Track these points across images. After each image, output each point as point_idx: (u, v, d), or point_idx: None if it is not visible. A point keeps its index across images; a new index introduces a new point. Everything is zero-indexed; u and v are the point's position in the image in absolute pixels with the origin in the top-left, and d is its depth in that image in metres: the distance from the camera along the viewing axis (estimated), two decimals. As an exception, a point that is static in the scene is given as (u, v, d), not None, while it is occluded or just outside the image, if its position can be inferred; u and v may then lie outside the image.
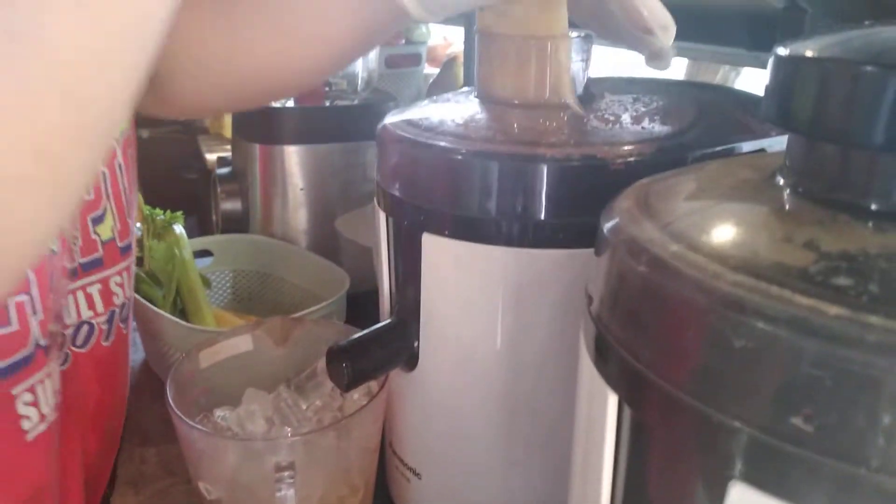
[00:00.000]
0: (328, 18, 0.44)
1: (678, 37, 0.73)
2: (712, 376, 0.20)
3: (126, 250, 0.52)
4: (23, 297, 0.41)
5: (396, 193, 0.42)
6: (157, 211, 0.75)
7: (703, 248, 0.22)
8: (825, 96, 0.22)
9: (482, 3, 0.40)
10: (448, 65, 1.17)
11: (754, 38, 0.65)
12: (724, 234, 0.23)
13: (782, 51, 0.24)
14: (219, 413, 0.50)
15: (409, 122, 0.43)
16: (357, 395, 0.49)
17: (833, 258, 0.20)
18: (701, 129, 0.41)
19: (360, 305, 0.71)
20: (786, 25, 0.54)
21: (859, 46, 0.23)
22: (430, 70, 1.35)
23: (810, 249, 0.21)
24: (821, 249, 0.21)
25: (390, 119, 0.45)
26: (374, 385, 0.47)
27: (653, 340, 0.23)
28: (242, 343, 0.52)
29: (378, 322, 0.49)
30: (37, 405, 0.42)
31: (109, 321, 0.51)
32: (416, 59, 1.17)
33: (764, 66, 0.65)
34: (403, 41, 1.15)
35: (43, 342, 0.42)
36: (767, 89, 0.24)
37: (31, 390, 0.42)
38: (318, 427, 0.47)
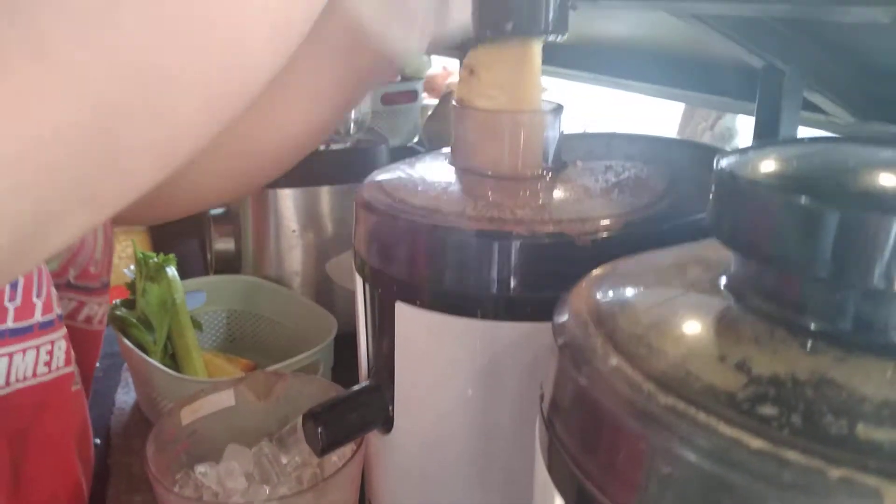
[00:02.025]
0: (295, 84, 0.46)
1: (666, 82, 0.74)
2: (645, 499, 0.21)
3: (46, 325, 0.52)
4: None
5: (371, 261, 0.43)
6: (150, 254, 0.76)
7: (641, 363, 0.23)
8: (758, 221, 0.22)
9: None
10: (445, 99, 1.18)
11: (740, 88, 0.65)
12: (663, 348, 0.23)
13: (723, 164, 0.25)
14: (200, 469, 0.50)
15: (384, 190, 0.44)
16: (335, 458, 0.49)
17: (762, 383, 0.21)
18: (671, 201, 0.42)
19: (351, 345, 0.71)
20: (765, 83, 0.55)
21: (800, 169, 0.23)
22: (429, 101, 1.36)
23: (742, 371, 0.21)
24: (752, 372, 0.21)
25: (366, 184, 0.46)
26: (352, 445, 0.48)
27: (595, 455, 0.23)
28: (225, 398, 0.53)
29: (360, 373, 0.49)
30: None
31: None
32: (412, 96, 1.18)
33: (750, 114, 0.65)
34: (399, 78, 1.16)
35: None
36: (711, 201, 0.25)
37: None
38: (296, 488, 0.47)
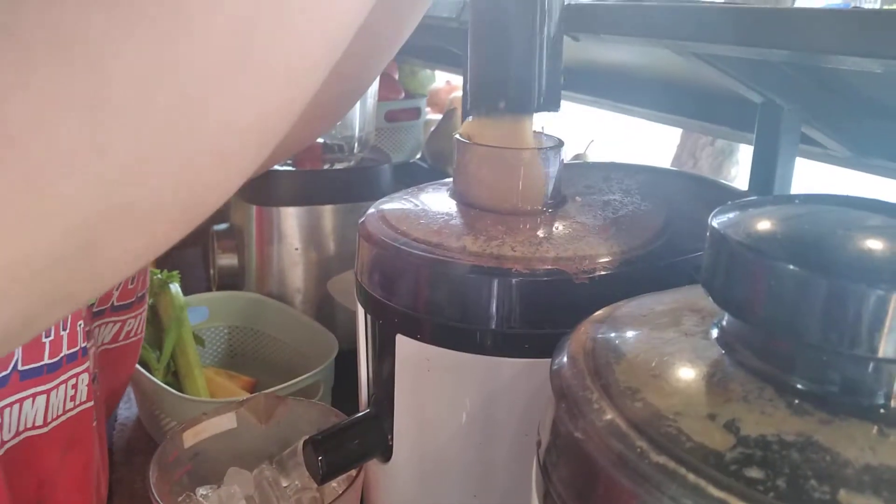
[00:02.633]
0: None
1: (666, 109, 0.75)
2: (635, 555, 0.22)
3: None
4: None
5: (373, 292, 0.44)
6: (155, 270, 0.77)
7: (635, 419, 0.23)
8: (749, 284, 0.23)
9: None
10: (448, 115, 1.19)
11: (738, 117, 0.66)
12: (656, 404, 0.24)
13: (716, 223, 0.25)
14: (201, 492, 0.51)
15: (387, 222, 0.45)
16: (335, 484, 0.50)
17: (750, 444, 0.22)
18: (668, 239, 0.42)
19: (352, 363, 0.72)
20: (763, 118, 0.56)
21: (791, 232, 0.24)
22: (433, 116, 1.37)
23: (730, 431, 0.22)
24: (740, 433, 0.22)
25: (369, 215, 0.47)
26: (352, 472, 0.48)
27: (585, 505, 0.24)
28: (226, 421, 0.53)
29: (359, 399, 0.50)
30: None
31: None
32: (415, 113, 1.19)
33: (749, 143, 0.66)
34: (402, 95, 1.17)
35: (22, 368, 0.44)
36: (704, 259, 0.26)
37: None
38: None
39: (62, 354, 0.46)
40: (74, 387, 0.48)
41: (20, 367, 0.44)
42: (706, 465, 0.21)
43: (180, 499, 0.50)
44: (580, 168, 0.54)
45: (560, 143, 0.44)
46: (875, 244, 0.22)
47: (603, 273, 0.38)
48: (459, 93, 1.47)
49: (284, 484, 0.53)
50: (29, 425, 0.46)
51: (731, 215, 0.26)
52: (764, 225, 0.25)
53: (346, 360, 0.72)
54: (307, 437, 0.44)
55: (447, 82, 1.56)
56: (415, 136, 1.20)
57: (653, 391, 0.25)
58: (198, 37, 0.23)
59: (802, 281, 0.22)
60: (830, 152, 0.58)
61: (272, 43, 0.25)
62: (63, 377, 0.47)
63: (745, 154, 1.01)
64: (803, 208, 0.26)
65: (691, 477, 0.21)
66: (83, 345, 0.48)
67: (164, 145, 0.23)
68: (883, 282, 0.20)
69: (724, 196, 0.52)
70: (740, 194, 0.53)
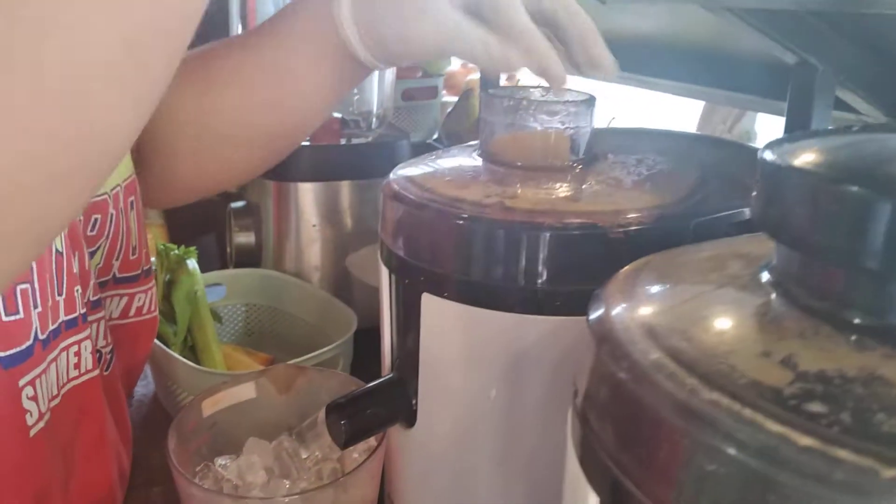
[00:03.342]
0: (297, 75, 0.48)
1: (694, 79, 0.73)
2: (686, 496, 0.20)
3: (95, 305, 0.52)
4: (26, 286, 0.41)
5: (398, 251, 0.43)
6: (171, 246, 0.76)
7: (683, 358, 0.22)
8: (807, 211, 0.22)
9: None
10: (465, 96, 1.17)
11: (769, 86, 0.64)
12: (705, 342, 0.23)
13: (769, 155, 0.24)
14: (220, 462, 0.50)
15: (413, 181, 0.44)
16: (356, 454, 0.49)
17: (809, 379, 0.20)
18: (703, 195, 0.41)
19: (370, 341, 0.71)
20: (797, 80, 0.54)
21: (846, 159, 0.23)
22: (449, 98, 1.35)
23: (788, 367, 0.21)
24: (798, 368, 0.21)
25: (395, 175, 0.46)
26: (372, 441, 0.47)
27: (633, 450, 0.23)
28: (246, 391, 0.52)
29: (381, 366, 0.49)
30: (36, 400, 0.43)
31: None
32: (432, 92, 1.17)
33: (778, 113, 0.64)
34: (420, 74, 1.15)
35: (42, 336, 0.43)
36: (756, 191, 0.24)
37: (32, 384, 0.43)
38: (317, 483, 0.47)
39: (60, 321, 0.45)
40: (77, 354, 0.47)
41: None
42: (763, 400, 0.20)
43: (199, 468, 0.49)
44: (609, 132, 0.52)
45: (592, 98, 0.43)
46: (944, 166, 0.21)
47: (638, 227, 0.37)
48: (475, 75, 1.46)
49: (304, 455, 0.52)
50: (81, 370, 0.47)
51: (781, 146, 0.24)
52: (816, 153, 0.23)
53: (365, 338, 0.71)
54: (329, 402, 0.43)
55: (462, 65, 1.55)
56: (432, 116, 1.19)
57: (700, 331, 0.24)
58: None
59: (865, 201, 0.20)
60: (864, 117, 0.57)
61: None
62: (63, 344, 0.46)
63: (763, 141, 0.99)
64: (856, 137, 0.24)
65: (747, 412, 0.19)
66: (82, 311, 0.47)
67: None
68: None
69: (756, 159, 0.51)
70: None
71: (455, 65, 1.51)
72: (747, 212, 0.41)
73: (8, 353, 0.40)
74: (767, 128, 1.02)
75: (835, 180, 0.21)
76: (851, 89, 0.53)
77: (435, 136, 1.22)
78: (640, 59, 0.79)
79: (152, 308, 0.61)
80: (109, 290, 0.56)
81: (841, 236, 0.21)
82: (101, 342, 0.52)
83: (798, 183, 0.22)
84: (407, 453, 0.46)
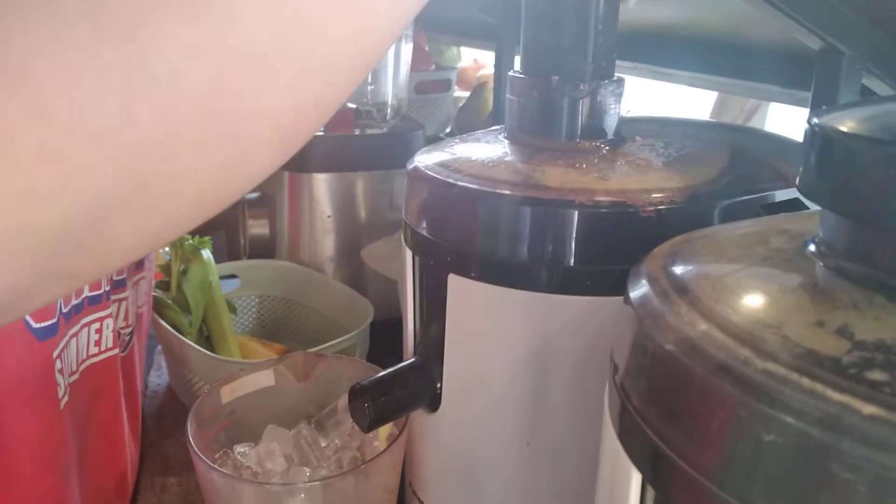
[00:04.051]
0: None
1: (716, 71, 0.73)
2: (741, 468, 0.20)
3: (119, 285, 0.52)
4: None
5: (423, 232, 0.42)
6: (185, 236, 0.75)
7: (732, 329, 0.21)
8: (858, 175, 0.21)
9: None
10: (477, 90, 1.17)
11: (791, 76, 0.64)
12: (754, 314, 0.22)
13: (817, 121, 0.23)
14: (239, 449, 0.50)
15: (440, 162, 0.43)
16: (377, 442, 0.48)
17: (867, 348, 0.20)
18: (734, 177, 0.40)
19: (385, 333, 0.70)
20: (822, 67, 0.53)
21: (891, 124, 0.22)
22: (460, 93, 1.35)
23: (844, 337, 0.20)
24: (855, 337, 0.20)
25: (420, 157, 0.45)
26: (394, 427, 0.47)
27: (679, 423, 0.22)
28: (264, 378, 0.52)
29: (399, 353, 0.48)
30: (63, 373, 0.43)
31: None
32: (445, 85, 1.17)
33: (797, 104, 0.63)
34: (433, 67, 1.15)
35: (64, 310, 0.43)
36: (802, 160, 0.24)
37: (60, 357, 0.43)
38: (336, 471, 0.46)
39: (84, 296, 0.45)
40: (98, 331, 0.47)
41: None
42: (821, 369, 0.19)
43: (218, 455, 0.48)
44: (637, 119, 0.52)
45: (621, 80, 0.42)
46: None
47: (670, 206, 0.36)
48: (487, 70, 1.45)
49: (323, 444, 0.52)
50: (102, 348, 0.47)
51: (829, 115, 0.24)
52: (864, 119, 0.23)
53: (380, 330, 0.70)
54: (353, 385, 0.43)
55: (474, 60, 1.54)
56: (445, 110, 1.18)
57: (747, 303, 0.23)
58: (243, 22, 0.22)
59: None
60: (891, 105, 0.56)
61: (312, 36, 0.24)
62: (86, 320, 0.46)
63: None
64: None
65: (806, 381, 0.19)
66: (106, 288, 0.47)
67: (194, 125, 0.22)
68: None
69: (783, 146, 0.50)
70: (800, 146, 0.51)
71: (467, 60, 1.51)
72: (777, 194, 0.41)
73: (42, 325, 0.40)
74: (780, 120, 1.01)
75: (883, 141, 0.20)
76: (878, 76, 0.52)
77: (448, 130, 1.21)
78: (659, 50, 0.78)
79: (146, 302, 0.61)
80: (133, 274, 0.56)
81: (890, 199, 0.20)
82: (121, 323, 0.52)
83: (845, 145, 0.21)
84: (430, 438, 0.46)
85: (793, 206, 0.39)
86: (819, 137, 0.23)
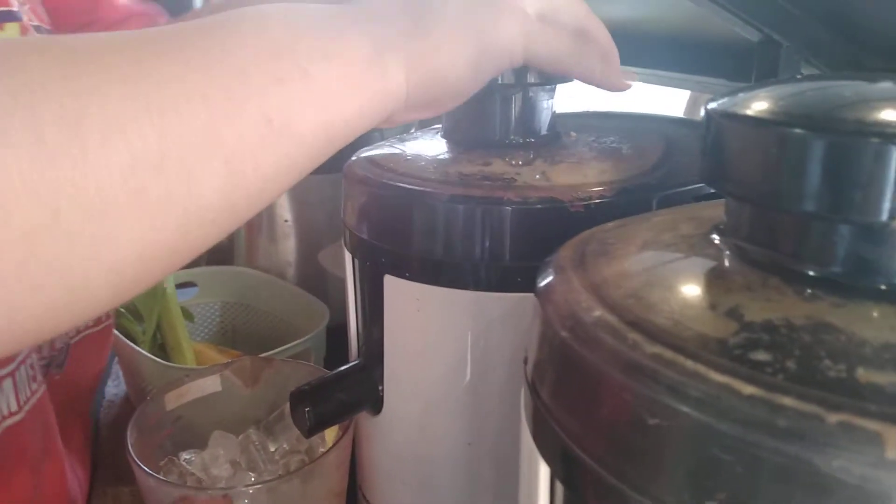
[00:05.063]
0: None
1: (662, 65, 0.73)
2: (631, 456, 0.20)
3: None
4: None
5: (359, 234, 0.42)
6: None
7: (626, 314, 0.21)
8: (751, 158, 0.21)
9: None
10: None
11: (734, 69, 0.64)
12: (650, 298, 0.22)
13: (712, 105, 0.23)
14: (185, 456, 0.49)
15: (374, 162, 0.43)
16: (323, 448, 0.48)
17: (755, 329, 0.20)
18: (666, 170, 0.40)
19: (345, 337, 0.70)
20: (762, 59, 0.54)
21: (791, 105, 0.22)
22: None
23: (733, 318, 0.20)
24: (744, 319, 0.20)
25: (356, 157, 0.45)
26: (339, 430, 0.46)
27: (576, 412, 0.22)
28: (210, 384, 0.51)
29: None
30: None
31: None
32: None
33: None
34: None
35: None
36: (701, 147, 0.24)
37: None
38: (282, 473, 0.46)
39: None
40: (33, 367, 0.46)
41: None
42: (706, 352, 0.19)
43: (162, 462, 0.48)
44: (574, 114, 0.52)
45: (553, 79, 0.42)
46: (886, 106, 0.20)
47: (600, 201, 0.36)
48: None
49: (272, 448, 0.51)
50: (5, 412, 0.44)
51: (727, 98, 0.24)
52: (763, 101, 0.22)
53: (340, 334, 0.70)
54: (293, 390, 0.42)
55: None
56: (408, 113, 1.18)
57: (647, 289, 0.23)
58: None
59: (805, 141, 0.19)
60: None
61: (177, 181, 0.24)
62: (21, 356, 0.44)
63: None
64: (802, 85, 0.23)
65: (689, 364, 0.19)
66: None
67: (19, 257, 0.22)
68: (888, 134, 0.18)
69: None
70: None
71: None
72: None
73: None
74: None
75: (776, 123, 0.20)
76: (816, 66, 0.53)
77: (413, 131, 1.21)
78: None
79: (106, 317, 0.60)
80: None
81: (783, 180, 0.20)
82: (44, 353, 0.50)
83: (737, 128, 0.21)
84: (375, 441, 0.46)
85: (726, 196, 0.39)
86: (712, 122, 0.23)
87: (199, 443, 0.51)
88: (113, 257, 0.23)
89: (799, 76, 0.24)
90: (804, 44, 0.51)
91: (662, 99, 1.10)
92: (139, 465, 0.42)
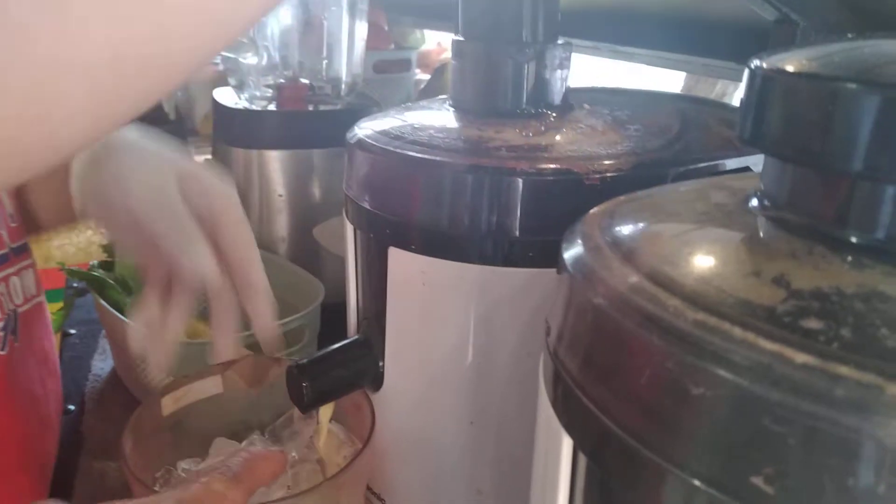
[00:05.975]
0: None
1: (671, 47, 0.72)
2: (669, 427, 0.18)
3: (20, 251, 0.48)
4: None
5: (363, 205, 0.40)
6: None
7: (664, 281, 0.20)
8: (800, 115, 0.20)
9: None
10: (439, 70, 1.15)
11: (746, 50, 0.63)
12: (688, 265, 0.21)
13: (756, 63, 0.22)
14: (183, 466, 0.45)
15: (381, 131, 0.41)
16: (339, 459, 0.45)
17: (804, 297, 0.18)
18: (682, 145, 0.39)
19: (339, 316, 0.69)
20: (777, 38, 0.52)
21: (840, 61, 0.21)
22: (423, 76, 1.33)
23: (780, 286, 0.19)
24: (791, 286, 0.19)
25: (361, 126, 0.43)
26: (356, 440, 0.44)
27: (608, 382, 0.21)
28: (211, 386, 0.47)
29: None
30: None
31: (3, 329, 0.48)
32: (405, 65, 1.15)
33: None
34: (393, 46, 1.13)
35: None
36: (741, 105, 0.23)
37: None
38: (294, 489, 0.43)
39: None
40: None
41: None
42: (754, 319, 0.18)
43: (159, 473, 0.45)
44: (587, 89, 0.50)
45: (568, 43, 0.41)
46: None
47: (615, 174, 0.35)
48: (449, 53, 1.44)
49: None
50: None
51: (769, 57, 0.23)
52: (806, 59, 0.21)
53: (334, 312, 0.68)
54: (291, 363, 0.41)
55: (438, 43, 1.52)
56: (405, 90, 1.17)
57: (683, 256, 0.22)
58: None
59: (860, 99, 0.18)
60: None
61: None
62: None
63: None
64: (848, 44, 0.22)
65: (737, 331, 0.18)
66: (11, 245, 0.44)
67: None
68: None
69: (734, 114, 0.49)
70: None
71: (431, 44, 1.49)
72: (728, 162, 0.40)
73: None
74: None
75: (828, 78, 0.19)
76: (832, 46, 0.51)
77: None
78: (616, 29, 0.77)
79: (38, 291, 0.56)
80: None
81: (832, 139, 0.19)
82: None
83: (785, 85, 0.20)
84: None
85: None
86: (758, 77, 0.21)
87: (199, 450, 0.47)
88: (85, 58, 0.22)
89: (851, 35, 0.23)
90: (821, 23, 0.50)
91: (658, 83, 1.09)
92: (139, 481, 0.39)
